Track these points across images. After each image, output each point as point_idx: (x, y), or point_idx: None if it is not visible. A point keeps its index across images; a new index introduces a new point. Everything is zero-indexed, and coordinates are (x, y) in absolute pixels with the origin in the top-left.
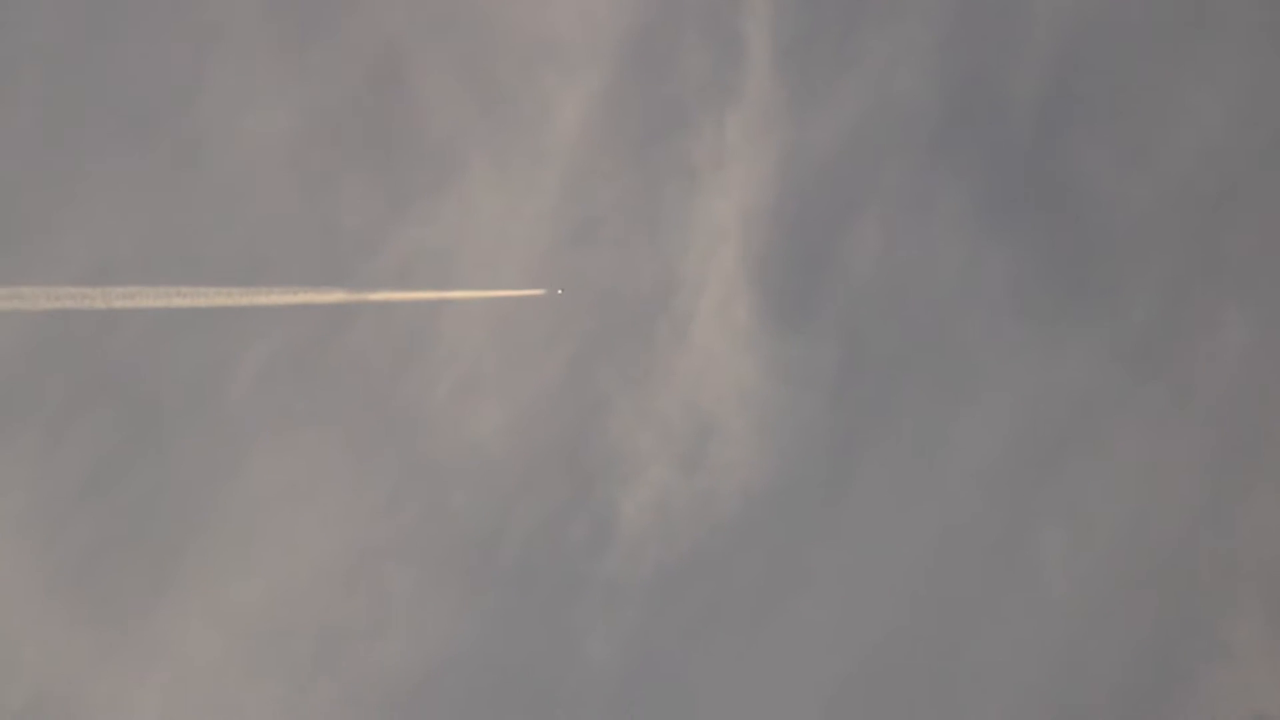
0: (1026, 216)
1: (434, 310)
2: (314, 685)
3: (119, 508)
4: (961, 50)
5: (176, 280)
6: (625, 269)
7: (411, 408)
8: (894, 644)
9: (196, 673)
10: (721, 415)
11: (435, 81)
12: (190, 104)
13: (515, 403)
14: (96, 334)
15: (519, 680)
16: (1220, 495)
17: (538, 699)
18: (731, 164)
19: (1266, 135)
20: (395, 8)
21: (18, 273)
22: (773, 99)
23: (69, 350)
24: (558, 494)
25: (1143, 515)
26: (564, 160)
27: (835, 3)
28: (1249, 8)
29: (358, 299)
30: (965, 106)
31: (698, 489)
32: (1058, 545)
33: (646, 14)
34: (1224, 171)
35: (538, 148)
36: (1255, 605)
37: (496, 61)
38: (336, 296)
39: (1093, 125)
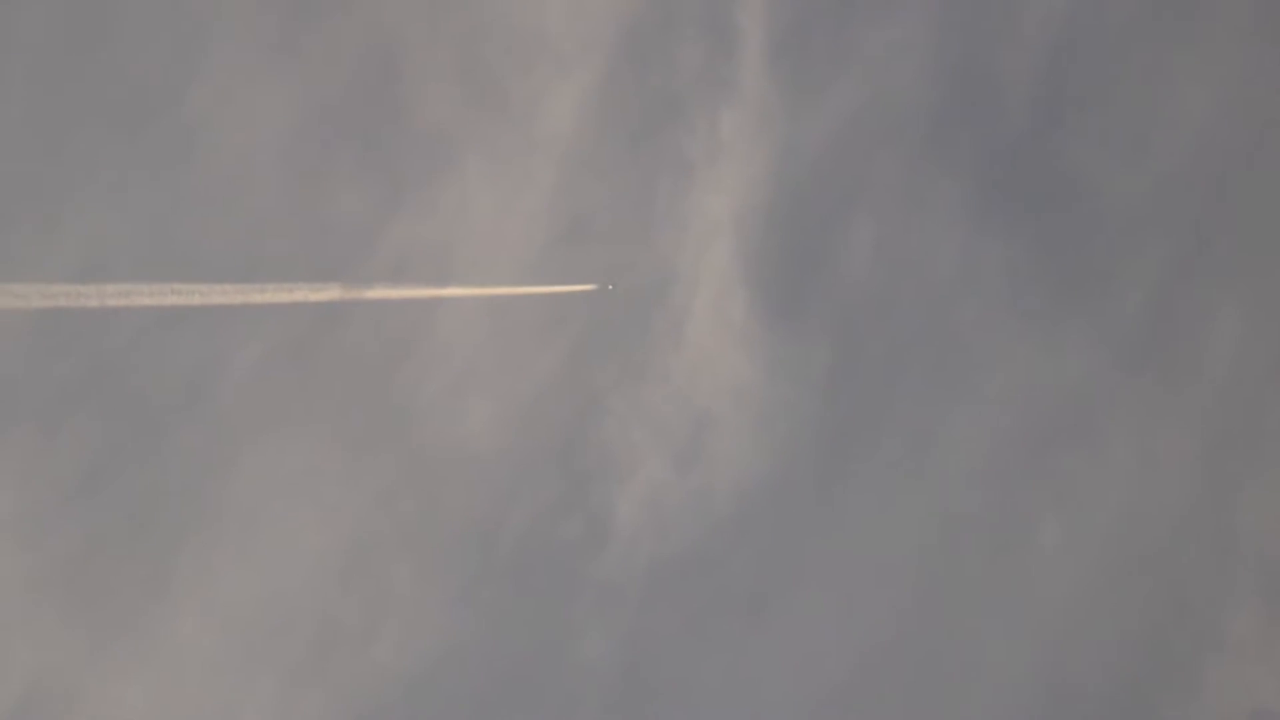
0: (1020, 210)
1: (429, 305)
2: (309, 682)
3: (112, 506)
4: (955, 43)
5: (171, 277)
6: (620, 265)
7: (406, 404)
8: (891, 638)
9: (190, 671)
10: (716, 412)
11: (429, 75)
12: (183, 99)
13: (510, 399)
14: (91, 332)
15: (514, 678)
16: (1217, 487)
17: (532, 697)
18: (726, 159)
19: (1260, 126)
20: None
21: (11, 270)
22: (767, 94)
23: (63, 348)
24: (552, 491)
25: (1139, 507)
26: (558, 155)
27: None
28: None
29: (353, 296)
30: (958, 100)
31: (692, 486)
32: (1053, 538)
33: (640, 7)
34: (1218, 163)
35: (531, 142)
36: (1253, 599)
37: (490, 55)
38: (331, 293)
39: (1086, 118)
